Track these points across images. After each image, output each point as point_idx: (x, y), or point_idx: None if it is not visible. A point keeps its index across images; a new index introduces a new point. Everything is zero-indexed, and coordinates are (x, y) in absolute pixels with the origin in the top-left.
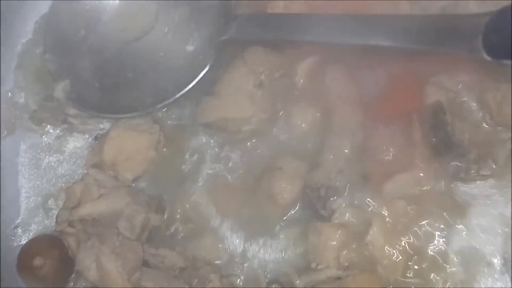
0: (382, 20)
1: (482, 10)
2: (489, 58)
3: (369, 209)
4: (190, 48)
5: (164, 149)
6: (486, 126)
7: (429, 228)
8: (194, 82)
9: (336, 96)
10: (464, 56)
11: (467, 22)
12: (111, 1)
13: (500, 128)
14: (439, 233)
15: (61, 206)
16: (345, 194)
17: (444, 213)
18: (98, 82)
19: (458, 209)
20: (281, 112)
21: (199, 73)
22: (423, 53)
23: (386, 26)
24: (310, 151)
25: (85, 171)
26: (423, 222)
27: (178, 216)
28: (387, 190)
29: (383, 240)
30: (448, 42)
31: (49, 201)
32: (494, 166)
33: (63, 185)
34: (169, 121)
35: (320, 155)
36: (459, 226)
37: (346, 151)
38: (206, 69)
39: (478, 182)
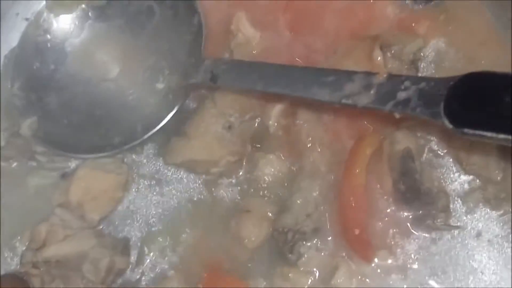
0: (348, 77)
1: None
2: (450, 126)
3: (337, 253)
4: (160, 86)
5: (132, 189)
6: (455, 174)
7: None
8: (162, 124)
9: (307, 139)
10: (428, 121)
11: (431, 86)
12: (82, 36)
13: (469, 176)
14: None
15: (26, 245)
16: (313, 238)
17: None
18: (66, 119)
19: None
20: (251, 155)
21: (168, 114)
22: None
23: (353, 84)
24: (280, 193)
25: (52, 211)
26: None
27: (145, 258)
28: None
29: (349, 284)
30: (411, 106)
31: (14, 240)
32: (464, 218)
33: (28, 223)
34: (137, 161)
35: (289, 198)
36: None
37: (315, 194)
38: (175, 110)
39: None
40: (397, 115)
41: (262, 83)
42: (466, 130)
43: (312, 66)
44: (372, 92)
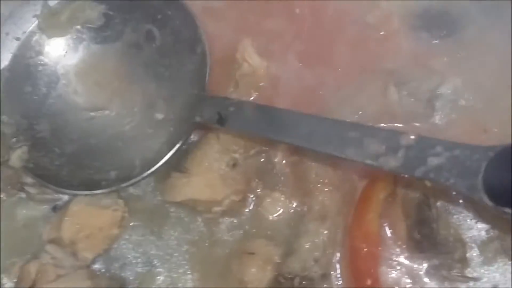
0: (371, 133)
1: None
2: (490, 203)
3: None
4: (159, 116)
5: (129, 226)
6: (472, 221)
7: None
8: (163, 161)
9: (315, 177)
10: (463, 194)
11: (466, 155)
12: (76, 59)
13: (487, 225)
14: None
15: (14, 283)
16: (321, 284)
17: None
18: (58, 148)
19: None
20: (256, 193)
21: (169, 149)
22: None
23: (378, 143)
24: (286, 235)
25: (42, 246)
26: None
27: None
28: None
29: None
30: (443, 175)
31: (1, 275)
32: (480, 268)
33: (16, 258)
34: (134, 196)
35: (296, 241)
36: None
37: (324, 238)
38: (177, 146)
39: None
40: (428, 183)
41: (275, 131)
42: (507, 209)
43: (332, 118)
44: (399, 154)
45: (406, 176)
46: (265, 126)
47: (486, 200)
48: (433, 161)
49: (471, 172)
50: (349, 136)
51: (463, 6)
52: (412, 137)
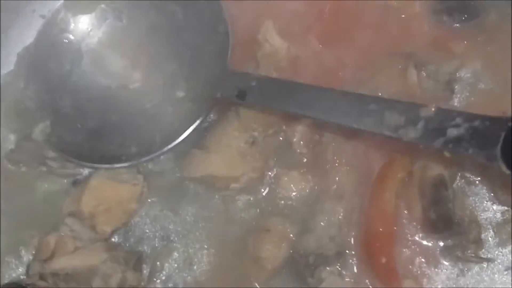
0: (391, 106)
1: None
2: (508, 172)
3: (360, 280)
4: (180, 94)
5: (147, 201)
6: (488, 203)
7: None
8: (183, 137)
9: (333, 157)
10: (481, 162)
11: (486, 126)
12: (100, 37)
13: (503, 206)
14: None
15: (33, 255)
16: (335, 263)
17: None
18: (80, 124)
19: None
20: (274, 171)
21: (189, 126)
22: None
23: (398, 115)
24: (302, 213)
25: (61, 219)
26: None
27: (158, 274)
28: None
29: None
30: (463, 146)
31: (19, 247)
32: (495, 250)
33: (36, 230)
34: (153, 172)
35: (312, 219)
36: None
37: (340, 217)
38: (197, 123)
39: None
40: (447, 154)
41: (295, 105)
42: None
43: (352, 91)
44: (419, 126)
45: (425, 149)
46: (286, 100)
47: (504, 169)
48: (452, 132)
49: (490, 142)
50: (369, 109)
51: None
52: (432, 109)
